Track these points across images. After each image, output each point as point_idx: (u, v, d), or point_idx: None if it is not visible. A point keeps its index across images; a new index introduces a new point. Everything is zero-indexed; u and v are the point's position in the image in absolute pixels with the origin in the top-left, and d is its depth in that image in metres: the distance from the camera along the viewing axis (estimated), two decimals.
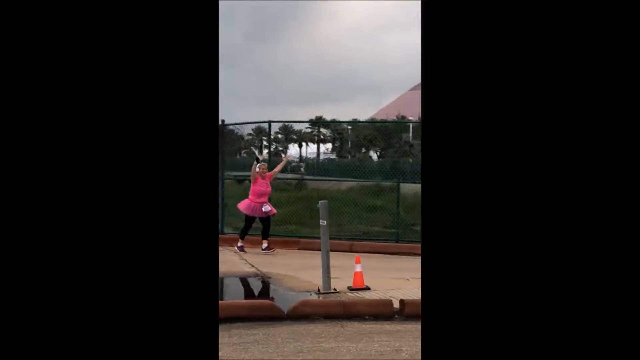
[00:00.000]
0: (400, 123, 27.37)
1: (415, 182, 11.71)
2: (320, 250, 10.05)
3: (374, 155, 35.34)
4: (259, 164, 10.15)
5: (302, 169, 31.63)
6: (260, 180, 10.05)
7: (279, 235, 11.09)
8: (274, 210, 10.21)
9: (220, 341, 5.44)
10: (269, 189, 10.18)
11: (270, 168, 10.37)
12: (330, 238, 10.28)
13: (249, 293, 7.82)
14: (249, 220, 10.12)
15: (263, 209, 9.97)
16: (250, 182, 10.31)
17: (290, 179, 21.66)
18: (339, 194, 14.00)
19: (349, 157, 42.14)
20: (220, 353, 5.12)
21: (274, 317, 6.20)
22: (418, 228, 11.68)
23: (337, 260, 7.62)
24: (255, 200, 10.01)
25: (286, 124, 37.59)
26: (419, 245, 8.40)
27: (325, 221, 7.35)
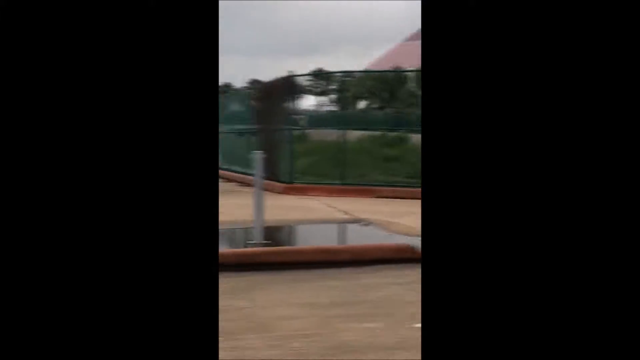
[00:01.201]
0: (400, 73, 27.63)
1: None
2: (397, 198, 10.45)
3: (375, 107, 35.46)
4: None
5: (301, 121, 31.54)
6: None
7: (352, 184, 11.36)
8: None
9: (377, 281, 5.74)
10: None
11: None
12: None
13: (368, 238, 7.97)
14: None
15: None
16: None
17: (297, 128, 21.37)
18: (352, 145, 13.84)
19: (349, 109, 42.19)
20: (390, 292, 5.41)
21: (414, 259, 6.45)
22: None
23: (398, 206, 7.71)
24: None
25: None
26: None
27: None
